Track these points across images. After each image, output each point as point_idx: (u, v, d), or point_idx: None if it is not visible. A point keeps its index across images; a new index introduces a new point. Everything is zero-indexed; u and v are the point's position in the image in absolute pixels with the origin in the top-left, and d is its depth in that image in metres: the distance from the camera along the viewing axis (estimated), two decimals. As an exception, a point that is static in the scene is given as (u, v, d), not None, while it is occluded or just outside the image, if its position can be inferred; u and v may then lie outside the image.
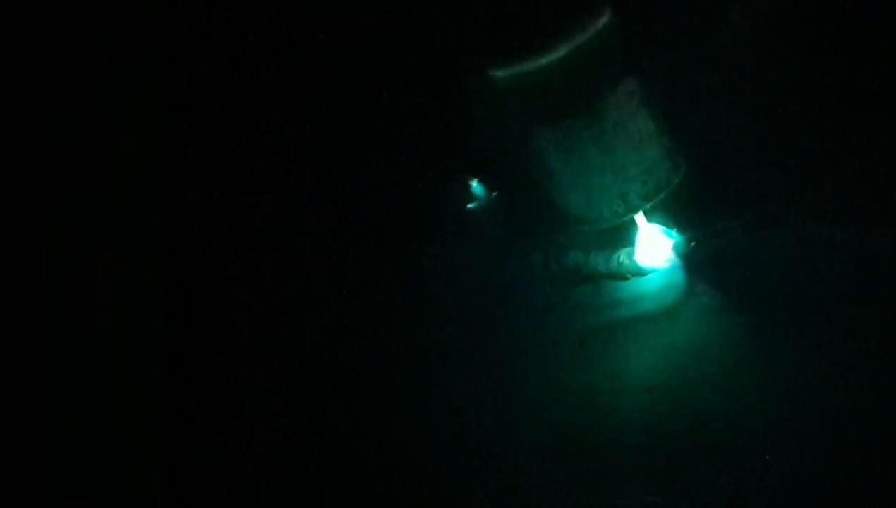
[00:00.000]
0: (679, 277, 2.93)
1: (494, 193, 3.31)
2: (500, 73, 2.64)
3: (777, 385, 2.48)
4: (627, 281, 3.01)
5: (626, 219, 2.85)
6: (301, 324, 3.02)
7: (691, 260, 2.92)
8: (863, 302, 2.51)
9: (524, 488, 2.57)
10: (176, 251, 2.43)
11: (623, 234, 2.95)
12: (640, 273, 2.99)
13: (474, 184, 3.32)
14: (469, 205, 3.32)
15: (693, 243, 2.92)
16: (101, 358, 2.07)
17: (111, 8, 1.94)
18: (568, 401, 2.75)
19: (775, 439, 2.33)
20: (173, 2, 2.26)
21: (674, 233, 2.95)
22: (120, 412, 2.10)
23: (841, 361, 2.42)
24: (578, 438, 2.62)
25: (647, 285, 2.98)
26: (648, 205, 2.83)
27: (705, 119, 2.89)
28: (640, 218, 2.90)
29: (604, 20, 2.58)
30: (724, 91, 2.87)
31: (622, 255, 3.01)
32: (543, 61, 2.55)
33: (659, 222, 2.95)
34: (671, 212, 2.92)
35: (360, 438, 2.85)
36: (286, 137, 3.02)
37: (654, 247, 2.95)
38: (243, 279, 2.94)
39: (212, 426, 2.74)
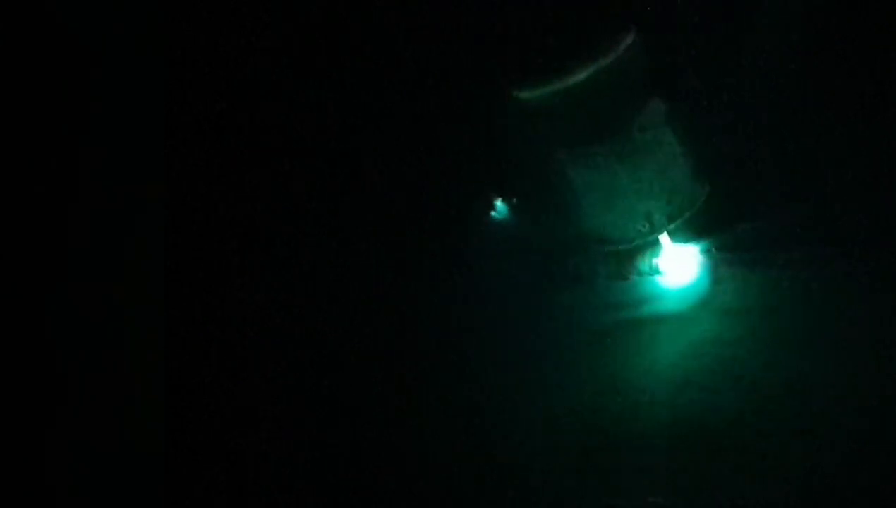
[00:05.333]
0: (696, 279, 2.90)
1: (519, 212, 3.31)
2: (526, 95, 2.64)
3: (788, 387, 2.46)
4: (647, 282, 2.99)
5: (650, 238, 2.85)
6: (319, 329, 3.05)
7: (712, 266, 2.89)
8: (881, 308, 2.47)
9: (526, 487, 2.58)
10: (180, 251, 2.46)
11: (647, 252, 2.96)
12: (660, 274, 2.97)
13: (499, 202, 3.33)
14: (492, 222, 3.33)
15: (715, 252, 2.89)
16: (100, 357, 2.09)
17: (111, 7, 1.97)
18: (574, 402, 2.76)
19: (781, 440, 2.32)
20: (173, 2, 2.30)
21: (698, 251, 2.93)
22: (120, 412, 2.12)
23: (855, 365, 2.39)
24: (581, 438, 2.64)
25: (664, 286, 2.96)
26: (673, 226, 2.82)
27: (730, 140, 2.85)
28: (664, 237, 2.89)
29: (628, 42, 2.57)
30: (748, 111, 2.82)
31: (645, 261, 2.98)
32: (569, 83, 2.55)
33: (683, 242, 2.92)
34: (695, 230, 2.90)
35: (369, 438, 2.88)
36: (308, 146, 3.05)
37: (677, 261, 2.94)
38: (257, 286, 2.98)
39: (215, 426, 2.77)
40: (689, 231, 2.88)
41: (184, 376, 2.59)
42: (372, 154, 3.09)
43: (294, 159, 3.03)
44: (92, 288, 2.06)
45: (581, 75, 2.53)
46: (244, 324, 2.90)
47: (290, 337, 2.96)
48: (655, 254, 2.94)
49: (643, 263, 2.96)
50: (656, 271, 2.95)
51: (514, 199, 3.30)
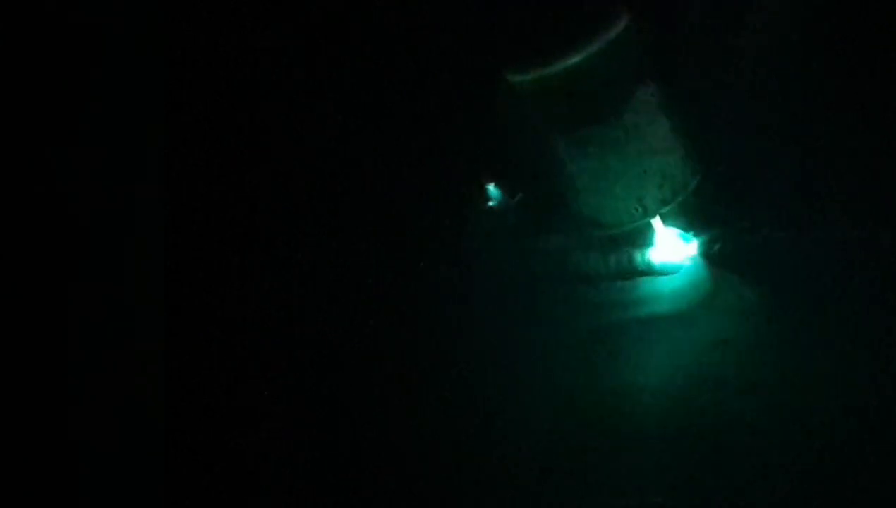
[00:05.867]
0: (696, 277, 2.90)
1: (510, 196, 3.29)
2: (517, 78, 2.63)
3: (789, 386, 2.47)
4: (644, 281, 2.98)
5: (643, 222, 2.84)
6: (312, 325, 3.04)
7: (709, 260, 2.89)
8: (886, 303, 2.44)
9: (526, 487, 2.58)
10: (179, 251, 2.46)
11: (640, 237, 2.94)
12: (657, 272, 2.96)
13: (490, 187, 3.31)
14: (484, 208, 3.31)
15: (712, 244, 2.89)
16: (100, 357, 2.09)
17: (111, 7, 1.97)
18: (576, 401, 2.76)
19: (782, 440, 2.33)
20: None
21: (691, 236, 2.93)
22: (120, 412, 2.12)
23: (860, 364, 2.39)
24: (581, 438, 2.64)
25: (664, 285, 2.96)
26: (665, 209, 2.82)
27: (723, 123, 2.84)
28: (657, 221, 2.88)
29: (622, 25, 2.56)
30: (742, 95, 2.82)
31: (640, 255, 2.97)
32: (561, 66, 2.53)
33: (676, 226, 2.92)
34: (688, 215, 2.89)
35: (369, 438, 2.87)
36: (302, 139, 3.03)
37: (671, 249, 2.94)
38: (254, 284, 2.96)
39: (215, 426, 2.77)
40: (681, 215, 2.88)
41: (184, 376, 2.58)
42: (366, 142, 3.07)
43: (294, 159, 3.02)
44: (91, 288, 2.06)
45: (573, 59, 2.52)
46: (244, 324, 2.90)
47: (290, 337, 2.96)
48: (649, 239, 2.93)
49: (637, 249, 2.95)
50: (657, 265, 2.94)
51: (507, 184, 3.27)
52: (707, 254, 2.90)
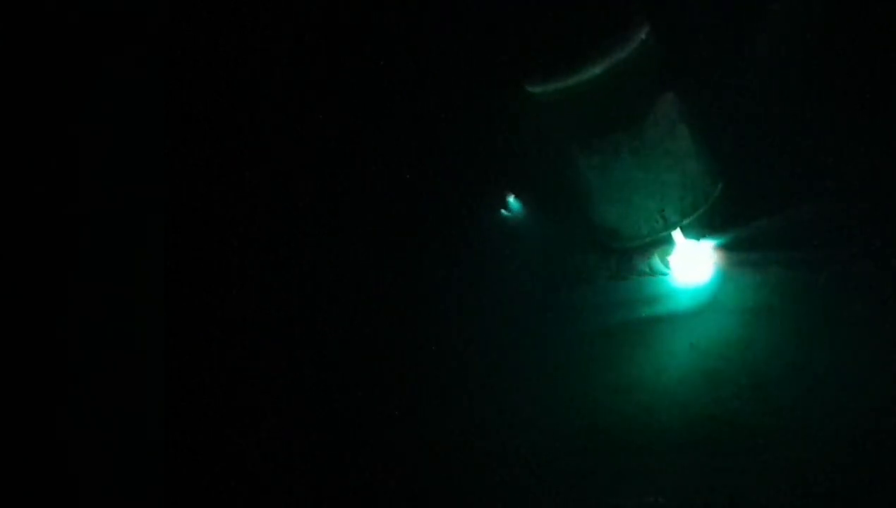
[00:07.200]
0: (709, 278, 2.89)
1: (532, 208, 3.29)
2: (539, 90, 2.63)
3: (791, 387, 2.46)
4: (657, 281, 2.98)
5: (663, 234, 2.83)
6: (319, 329, 3.05)
7: (723, 264, 2.88)
8: (885, 306, 2.44)
9: (527, 487, 2.60)
10: (180, 251, 2.46)
11: (660, 250, 2.94)
12: (672, 271, 2.96)
13: (511, 199, 3.31)
14: (503, 217, 3.32)
15: (727, 249, 2.88)
16: (101, 357, 2.09)
17: (112, 8, 1.97)
18: (578, 402, 2.77)
19: (784, 440, 2.32)
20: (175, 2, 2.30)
21: (710, 248, 2.92)
22: (120, 412, 2.12)
23: (860, 365, 2.39)
24: (584, 438, 2.65)
25: (676, 286, 2.95)
26: (686, 222, 2.80)
27: (742, 135, 2.83)
28: (677, 234, 2.87)
29: (642, 37, 2.55)
30: (762, 107, 2.81)
31: (655, 257, 2.98)
32: (582, 78, 2.53)
33: (695, 238, 2.91)
34: (707, 227, 2.88)
35: (369, 438, 2.89)
36: (312, 150, 3.05)
37: (689, 258, 2.93)
38: (253, 284, 2.97)
39: (215, 426, 2.77)
40: (701, 227, 2.86)
41: (184, 376, 2.58)
42: (382, 150, 3.07)
43: (294, 159, 3.02)
44: (92, 288, 2.06)
45: (594, 71, 2.52)
46: (244, 324, 2.90)
47: (290, 337, 2.96)
48: (668, 251, 2.92)
49: (655, 260, 2.95)
50: (668, 268, 2.93)
51: (527, 195, 3.27)
52: (720, 254, 2.89)
